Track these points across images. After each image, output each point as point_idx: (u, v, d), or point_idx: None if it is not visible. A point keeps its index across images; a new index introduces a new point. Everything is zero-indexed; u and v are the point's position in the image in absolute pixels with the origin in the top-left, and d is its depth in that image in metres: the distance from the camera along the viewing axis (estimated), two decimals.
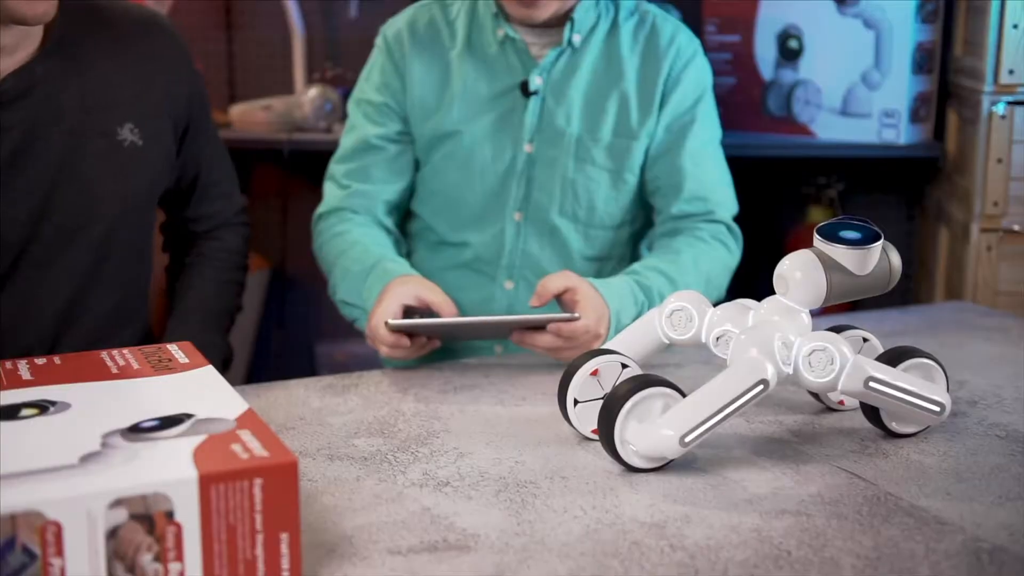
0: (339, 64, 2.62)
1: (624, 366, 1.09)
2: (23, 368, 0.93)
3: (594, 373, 1.07)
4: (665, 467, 1.01)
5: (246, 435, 0.78)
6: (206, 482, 0.72)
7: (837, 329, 1.12)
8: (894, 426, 1.08)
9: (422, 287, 1.33)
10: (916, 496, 0.95)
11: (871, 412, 1.08)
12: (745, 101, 2.28)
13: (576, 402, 1.07)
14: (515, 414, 1.17)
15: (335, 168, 1.59)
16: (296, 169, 2.54)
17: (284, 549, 0.76)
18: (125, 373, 0.92)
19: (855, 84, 2.16)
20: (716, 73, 1.59)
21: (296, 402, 1.21)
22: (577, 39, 1.51)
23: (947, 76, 2.22)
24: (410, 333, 1.29)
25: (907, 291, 2.42)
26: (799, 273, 1.01)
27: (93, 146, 1.30)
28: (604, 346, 1.13)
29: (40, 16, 1.17)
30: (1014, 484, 0.97)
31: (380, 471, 1.00)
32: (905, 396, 1.02)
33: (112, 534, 0.70)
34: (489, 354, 1.54)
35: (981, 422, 1.14)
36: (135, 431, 0.79)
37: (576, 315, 1.27)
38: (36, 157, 1.25)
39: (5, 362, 0.94)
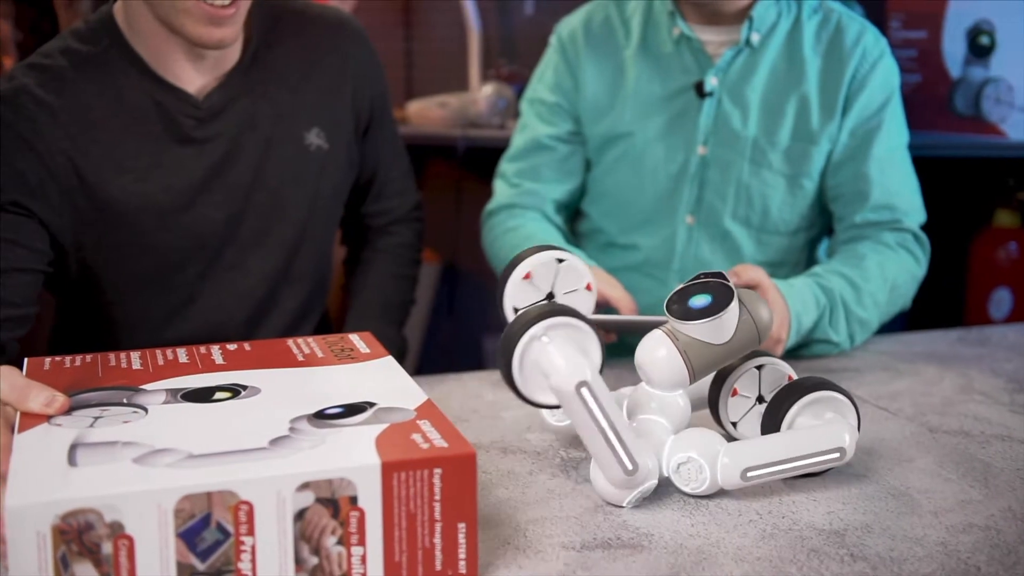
0: (514, 61, 2.65)
1: (560, 260, 0.99)
2: (216, 353, 0.97)
3: (527, 277, 0.98)
4: (843, 475, 0.98)
5: (426, 425, 0.80)
6: (388, 469, 0.73)
7: (728, 369, 1.01)
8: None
9: (602, 280, 1.33)
10: None
11: None
12: (930, 99, 2.20)
13: (516, 310, 0.99)
14: None
15: (506, 167, 1.60)
16: (469, 165, 2.58)
17: (461, 539, 0.77)
18: (310, 361, 0.95)
19: None
20: (900, 70, 1.53)
21: (470, 395, 1.23)
22: (756, 38, 1.48)
23: None
24: None
25: None
26: (654, 358, 0.93)
27: (282, 152, 1.34)
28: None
29: (219, 42, 1.21)
30: None
31: (553, 466, 1.01)
32: (791, 465, 0.92)
33: (299, 516, 0.72)
34: None
35: None
36: (320, 417, 0.81)
37: None
38: (234, 165, 1.31)
39: (199, 347, 0.98)
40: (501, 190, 1.59)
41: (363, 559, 0.74)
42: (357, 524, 0.73)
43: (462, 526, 0.76)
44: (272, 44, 1.34)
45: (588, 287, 1.00)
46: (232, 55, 1.29)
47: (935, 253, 1.51)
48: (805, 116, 1.47)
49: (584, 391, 0.84)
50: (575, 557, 0.82)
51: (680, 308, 0.93)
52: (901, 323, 2.29)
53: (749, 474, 0.91)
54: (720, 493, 0.94)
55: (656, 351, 0.93)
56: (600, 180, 1.57)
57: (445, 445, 0.76)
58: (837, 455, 0.92)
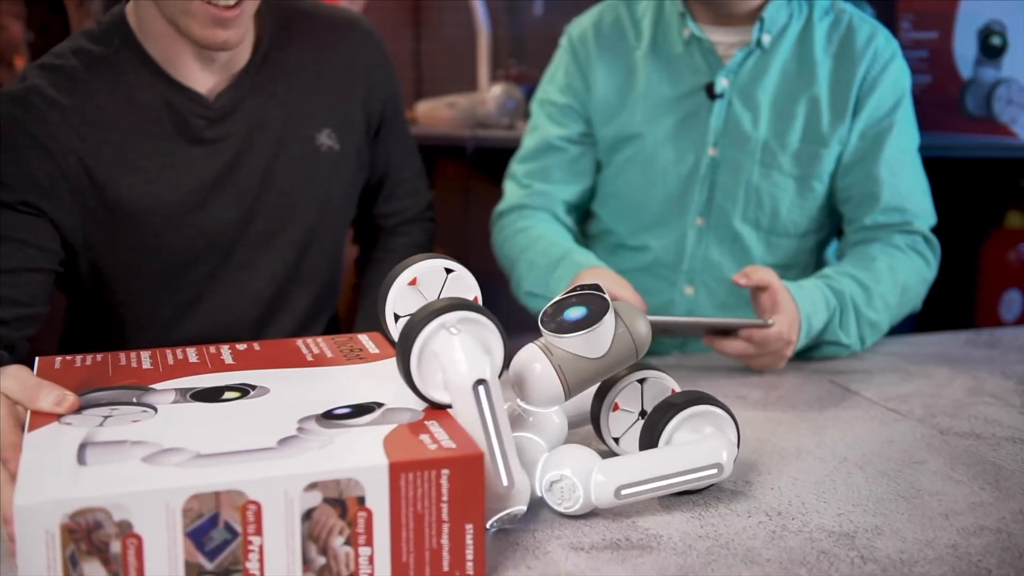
0: (523, 62, 2.65)
1: (448, 270, 0.92)
2: (225, 353, 0.97)
3: (412, 282, 0.91)
4: (853, 477, 0.98)
5: (434, 426, 0.80)
6: (396, 470, 0.73)
7: (610, 383, 0.98)
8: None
9: (612, 281, 1.33)
10: None
11: None
12: (941, 100, 2.19)
13: (397, 317, 0.92)
14: None
15: (516, 168, 1.60)
16: (478, 165, 2.58)
17: (469, 540, 0.77)
18: (319, 361, 0.95)
19: None
20: (911, 71, 1.52)
21: None
22: (767, 39, 1.47)
23: None
24: None
25: None
26: (528, 374, 0.89)
27: (293, 153, 1.34)
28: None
29: (223, 43, 1.21)
30: None
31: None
32: (668, 482, 0.89)
33: (307, 516, 0.72)
34: (666, 354, 1.53)
35: None
36: (329, 417, 0.81)
37: (770, 322, 1.25)
38: (245, 165, 1.31)
39: (209, 346, 0.98)
40: (511, 191, 1.59)
41: (370, 559, 0.74)
42: (365, 524, 0.73)
43: (470, 527, 0.76)
44: (283, 45, 1.34)
45: (476, 299, 0.94)
46: (243, 55, 1.30)
47: (946, 255, 1.51)
48: (815, 118, 1.47)
49: (481, 390, 0.80)
50: (584, 558, 0.82)
51: (554, 322, 0.90)
52: (911, 325, 2.29)
53: (623, 492, 0.88)
54: (729, 494, 0.94)
55: (529, 367, 0.89)
56: (610, 181, 1.57)
57: (453, 446, 0.76)
58: (715, 471, 0.90)
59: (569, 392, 0.90)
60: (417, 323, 0.83)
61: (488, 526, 0.85)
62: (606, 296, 0.90)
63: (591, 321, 0.88)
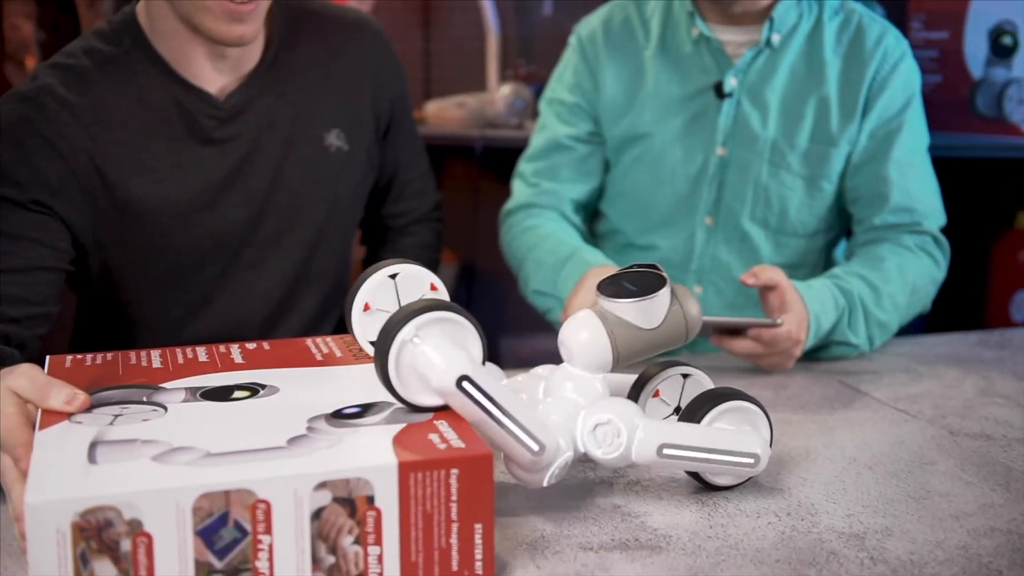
0: (532, 61, 2.65)
1: (392, 276, 0.94)
2: (235, 352, 0.97)
3: (367, 309, 0.93)
4: (863, 477, 0.98)
5: (443, 425, 0.80)
6: (405, 469, 0.73)
7: (647, 375, 0.99)
8: (712, 479, 0.94)
9: None
10: None
11: None
12: (951, 100, 2.19)
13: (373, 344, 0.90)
14: None
15: (524, 167, 1.60)
16: (487, 165, 2.58)
17: (478, 539, 0.76)
18: (328, 360, 0.95)
19: None
20: (921, 71, 1.52)
21: None
22: (776, 39, 1.47)
23: None
24: None
25: None
26: (579, 336, 0.89)
27: (302, 153, 1.34)
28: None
29: (239, 38, 1.21)
30: None
31: (571, 467, 1.00)
32: (707, 456, 0.90)
33: (316, 515, 0.72)
34: (675, 353, 1.53)
35: None
36: (338, 417, 0.81)
37: (779, 321, 1.25)
38: (254, 165, 1.31)
39: (219, 345, 0.99)
40: (519, 190, 1.59)
41: (380, 559, 0.74)
42: (374, 524, 0.73)
43: (479, 526, 0.76)
44: (292, 45, 1.34)
45: (433, 287, 0.95)
46: (253, 56, 1.30)
47: (956, 255, 1.50)
48: (825, 118, 1.47)
49: (466, 385, 0.80)
50: (593, 558, 0.82)
51: (612, 288, 0.91)
52: (921, 325, 2.28)
53: (665, 451, 0.88)
54: (738, 494, 0.94)
55: (582, 330, 0.90)
56: (618, 181, 1.57)
57: (462, 445, 0.76)
58: (751, 460, 0.91)
59: (618, 360, 0.90)
60: (381, 351, 0.82)
61: (545, 484, 0.86)
62: (664, 274, 0.91)
63: (648, 290, 0.89)
